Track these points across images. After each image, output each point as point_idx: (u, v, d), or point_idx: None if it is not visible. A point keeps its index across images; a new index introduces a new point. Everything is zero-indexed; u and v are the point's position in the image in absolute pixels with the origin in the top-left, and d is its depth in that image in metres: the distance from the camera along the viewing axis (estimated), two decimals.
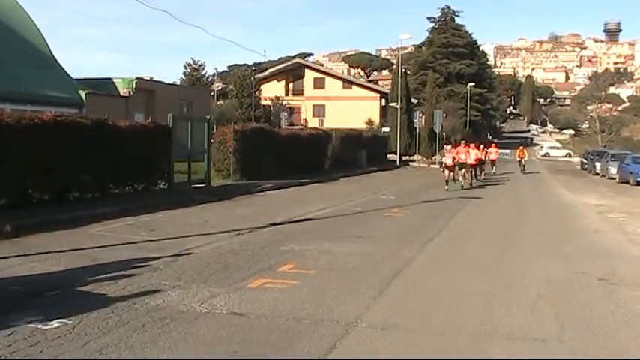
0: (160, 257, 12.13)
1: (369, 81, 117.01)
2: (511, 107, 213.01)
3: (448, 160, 31.10)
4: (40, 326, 7.61)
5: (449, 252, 14.02)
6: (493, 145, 49.54)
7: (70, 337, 7.31)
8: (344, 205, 22.35)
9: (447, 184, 30.28)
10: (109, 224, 16.22)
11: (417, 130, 58.93)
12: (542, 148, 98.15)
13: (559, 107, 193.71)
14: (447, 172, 30.86)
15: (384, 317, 8.40)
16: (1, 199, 16.71)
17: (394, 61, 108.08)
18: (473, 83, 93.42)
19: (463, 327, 8.04)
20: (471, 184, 32.88)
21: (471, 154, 33.19)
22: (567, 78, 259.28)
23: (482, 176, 39.13)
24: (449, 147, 34.19)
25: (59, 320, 7.83)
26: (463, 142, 34.74)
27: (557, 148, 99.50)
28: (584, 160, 58.43)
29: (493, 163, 46.04)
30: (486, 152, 42.70)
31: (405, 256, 12.92)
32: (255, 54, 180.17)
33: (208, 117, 28.13)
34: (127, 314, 8.22)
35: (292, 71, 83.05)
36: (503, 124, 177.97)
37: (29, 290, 9.45)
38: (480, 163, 37.81)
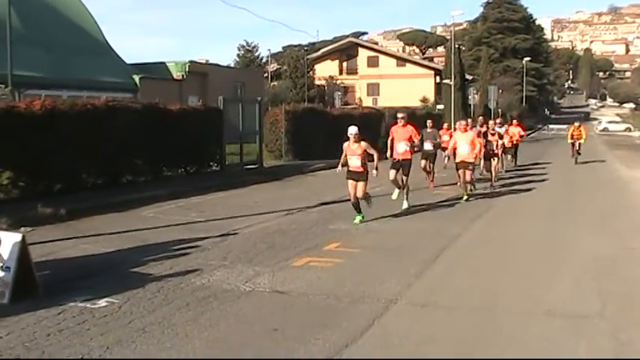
0: (208, 238, 12.35)
1: (424, 58, 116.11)
2: (569, 82, 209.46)
3: (353, 162, 14.18)
4: (88, 305, 7.87)
5: (495, 229, 13.95)
6: (513, 122, 32.89)
7: (116, 315, 7.54)
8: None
9: (356, 213, 14.22)
10: (160, 206, 16.52)
11: (472, 107, 58.36)
12: (600, 122, 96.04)
13: (619, 80, 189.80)
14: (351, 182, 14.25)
15: (424, 295, 8.47)
16: (56, 183, 17.14)
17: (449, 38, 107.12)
18: (529, 58, 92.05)
19: (504, 304, 8.05)
20: (467, 197, 18.32)
21: (462, 141, 18.52)
22: (627, 50, 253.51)
23: (494, 179, 22.30)
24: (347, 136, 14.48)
25: (107, 299, 8.08)
26: (401, 119, 16.86)
27: (617, 122, 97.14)
28: None
29: (510, 150, 28.92)
30: (485, 135, 22.86)
31: (451, 233, 12.94)
32: (310, 34, 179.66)
33: (259, 98, 28.29)
34: (172, 293, 8.43)
35: (346, 50, 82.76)
36: (561, 100, 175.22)
37: (80, 271, 9.73)
38: (488, 157, 22.35)
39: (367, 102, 72.16)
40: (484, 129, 23.70)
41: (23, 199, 15.82)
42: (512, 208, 17.45)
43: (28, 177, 16.37)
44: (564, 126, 77.61)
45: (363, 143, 14.06)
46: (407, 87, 72.27)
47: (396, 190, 16.23)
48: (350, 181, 14.19)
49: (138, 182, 19.95)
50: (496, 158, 23.30)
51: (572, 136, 33.76)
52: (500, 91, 67.27)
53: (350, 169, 14.25)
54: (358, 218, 14.06)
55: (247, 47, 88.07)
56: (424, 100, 71.45)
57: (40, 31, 29.72)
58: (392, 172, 16.41)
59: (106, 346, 6.49)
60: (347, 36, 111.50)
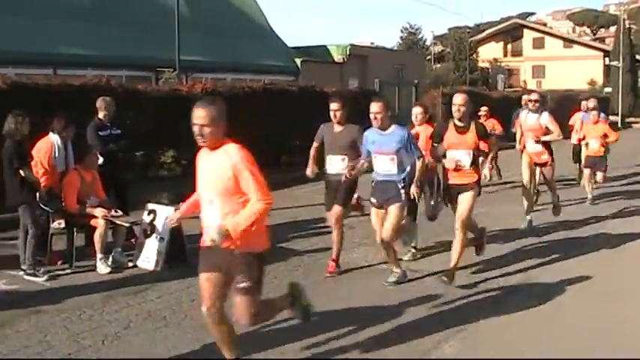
0: (355, 217, 12.71)
1: (595, 39, 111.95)
2: None
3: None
4: None
5: None
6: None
7: None
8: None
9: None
10: (313, 185, 16.94)
11: None
12: None
13: None
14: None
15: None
16: None
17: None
18: None
19: None
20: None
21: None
22: None
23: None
24: None
25: None
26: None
27: None
28: None
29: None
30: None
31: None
32: (476, 15, 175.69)
33: (416, 81, 28.46)
34: (312, 268, 8.88)
35: (510, 32, 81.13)
36: None
37: None
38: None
39: (532, 85, 70.57)
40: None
41: (184, 176, 16.80)
42: None
43: (189, 155, 17.32)
44: None
45: None
46: (574, 69, 70.06)
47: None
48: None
49: (294, 162, 20.61)
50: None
51: None
52: None
53: None
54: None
55: (410, 29, 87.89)
56: (591, 82, 69.06)
57: (206, 17, 31.02)
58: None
59: None
60: (513, 17, 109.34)
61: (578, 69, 70.06)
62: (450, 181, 8.57)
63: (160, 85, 21.40)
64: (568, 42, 79.70)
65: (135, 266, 9.01)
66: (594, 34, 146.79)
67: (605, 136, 15.13)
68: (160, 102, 16.77)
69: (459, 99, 8.47)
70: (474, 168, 8.48)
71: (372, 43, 66.90)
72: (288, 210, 13.62)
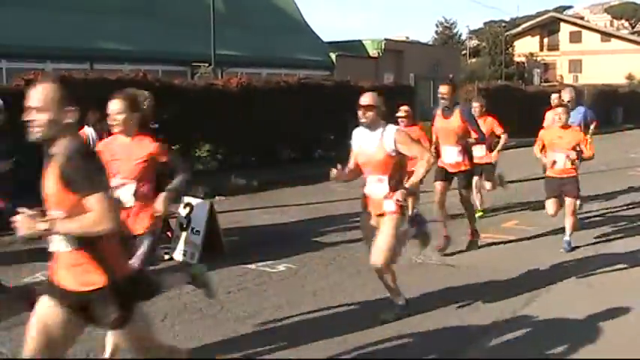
0: None
1: (633, 32, 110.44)
2: None
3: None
4: (267, 269, 8.51)
5: None
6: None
7: (292, 279, 8.10)
8: (587, 164, 21.64)
9: None
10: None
11: None
12: None
13: None
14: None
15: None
16: (251, 156, 18.19)
17: None
18: None
19: None
20: None
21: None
22: None
23: None
24: None
25: (285, 264, 8.70)
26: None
27: None
28: None
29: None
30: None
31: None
32: (512, 9, 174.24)
33: (451, 76, 28.32)
34: (347, 261, 8.90)
35: (546, 26, 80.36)
36: None
37: (265, 238, 10.44)
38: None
39: (568, 79, 69.83)
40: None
41: (220, 170, 16.98)
42: None
43: (225, 149, 17.49)
44: None
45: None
46: (612, 63, 69.21)
47: None
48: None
49: (328, 157, 20.63)
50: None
51: None
52: None
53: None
54: None
55: (445, 24, 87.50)
56: (630, 77, 68.16)
57: (241, 12, 31.15)
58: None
59: (278, 306, 7.03)
60: (550, 11, 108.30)
61: (616, 63, 69.22)
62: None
63: (196, 80, 21.55)
64: (606, 36, 78.84)
65: (171, 259, 9.09)
66: (633, 28, 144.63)
67: (578, 149, 9.56)
68: (196, 96, 16.89)
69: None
70: None
71: (407, 38, 66.69)
72: (322, 204, 13.64)
